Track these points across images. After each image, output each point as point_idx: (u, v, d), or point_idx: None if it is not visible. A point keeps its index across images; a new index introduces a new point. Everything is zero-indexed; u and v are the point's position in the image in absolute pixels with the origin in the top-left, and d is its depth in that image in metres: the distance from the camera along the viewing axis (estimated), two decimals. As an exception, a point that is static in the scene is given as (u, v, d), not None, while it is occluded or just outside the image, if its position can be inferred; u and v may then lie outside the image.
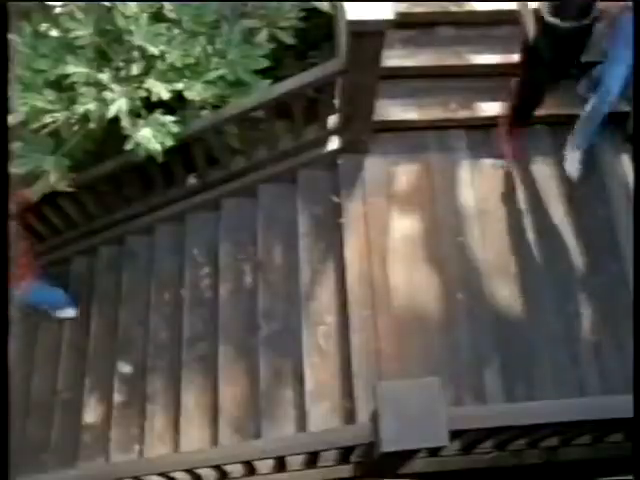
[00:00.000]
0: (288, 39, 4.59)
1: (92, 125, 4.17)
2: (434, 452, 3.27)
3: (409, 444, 2.74)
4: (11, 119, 4.06)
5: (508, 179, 4.50)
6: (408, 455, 3.12)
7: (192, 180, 4.82)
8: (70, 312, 5.37)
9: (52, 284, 5.19)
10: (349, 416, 3.83)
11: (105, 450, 4.53)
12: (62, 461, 4.66)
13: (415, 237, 4.26)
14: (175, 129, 4.11)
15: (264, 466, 3.57)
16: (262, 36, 4.51)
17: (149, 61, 4.27)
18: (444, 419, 2.70)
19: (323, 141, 4.56)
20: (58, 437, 4.84)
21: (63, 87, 4.24)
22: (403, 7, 4.56)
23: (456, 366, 3.88)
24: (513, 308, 4.12)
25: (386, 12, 3.57)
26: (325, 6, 4.57)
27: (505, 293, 4.15)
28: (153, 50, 4.21)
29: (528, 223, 4.36)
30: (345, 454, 3.34)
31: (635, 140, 4.31)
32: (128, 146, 4.12)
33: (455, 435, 2.82)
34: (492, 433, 3.15)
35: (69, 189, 4.50)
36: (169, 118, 4.12)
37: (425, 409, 2.72)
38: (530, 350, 4.00)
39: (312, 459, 3.40)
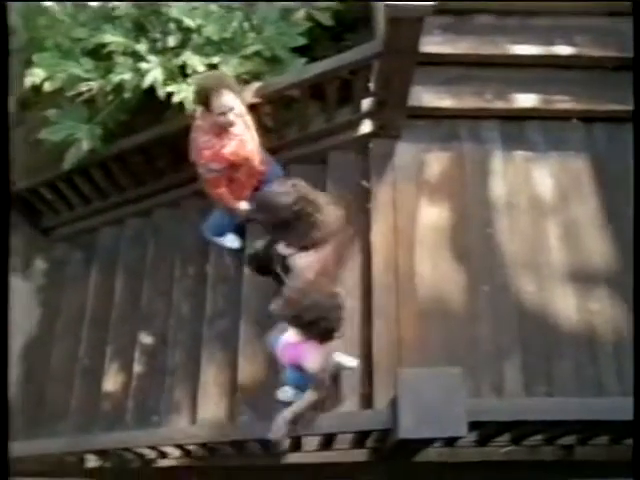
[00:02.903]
0: (325, 20, 4.55)
1: (127, 95, 4.19)
2: (450, 442, 3.27)
3: (427, 433, 2.74)
4: (48, 86, 4.06)
5: (540, 173, 4.44)
6: (424, 443, 3.12)
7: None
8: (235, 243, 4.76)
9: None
10: (366, 401, 3.82)
11: (122, 419, 4.58)
12: (80, 427, 4.73)
13: (443, 226, 4.23)
14: None
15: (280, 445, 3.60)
16: (299, 15, 4.47)
17: (185, 34, 4.28)
18: (463, 410, 2.70)
19: (355, 124, 4.52)
20: (77, 403, 4.90)
21: (100, 56, 4.26)
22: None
23: (476, 358, 3.86)
24: (537, 304, 4.08)
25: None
26: (365, -12, 4.52)
27: (530, 288, 4.11)
28: (190, 23, 4.22)
29: (557, 219, 4.31)
30: (361, 438, 3.35)
31: (635, 139, 4.24)
32: (175, 98, 4.04)
33: (473, 426, 2.81)
34: (510, 427, 3.15)
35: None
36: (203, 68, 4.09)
37: (445, 399, 2.72)
38: (551, 347, 3.97)
39: (328, 441, 3.42)
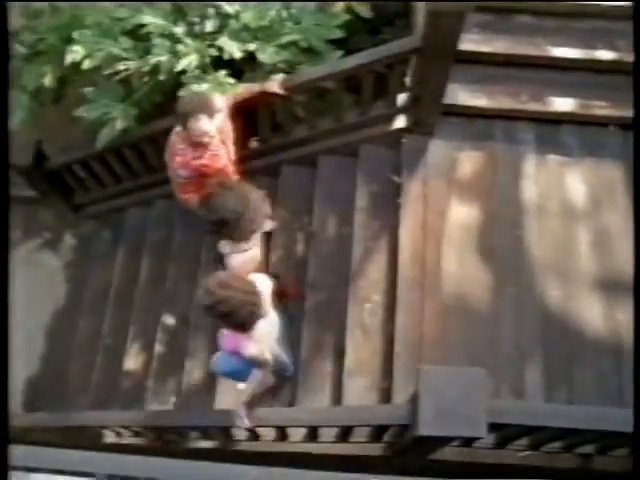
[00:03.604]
0: (364, 12, 4.53)
1: (162, 77, 4.21)
2: (468, 442, 3.26)
3: (446, 431, 2.74)
4: (87, 63, 4.10)
5: (573, 178, 4.39)
6: (442, 442, 3.12)
7: (253, 143, 4.82)
8: None
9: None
10: (385, 396, 3.83)
11: (141, 398, 4.63)
12: (100, 403, 4.79)
13: (472, 225, 4.20)
14: (231, 91, 4.10)
15: (296, 434, 3.62)
16: (338, 6, 4.46)
17: (223, 19, 4.29)
18: (484, 410, 2.70)
19: (389, 119, 4.50)
20: (98, 379, 4.96)
21: (138, 36, 4.29)
22: (485, -10, 4.45)
23: (498, 360, 3.84)
24: (562, 309, 4.04)
25: (469, -5, 3.50)
26: (406, -18, 4.50)
27: (556, 293, 4.07)
28: (228, 9, 4.24)
29: (588, 225, 4.25)
30: (378, 433, 3.36)
31: (635, 140, 4.19)
32: (181, 93, 4.12)
33: (493, 428, 2.80)
34: (530, 431, 3.13)
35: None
36: (230, 80, 4.12)
37: (466, 398, 2.72)
38: (574, 353, 3.94)
39: (345, 433, 3.43)
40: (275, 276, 3.77)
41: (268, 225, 4.45)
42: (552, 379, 3.81)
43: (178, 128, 3.92)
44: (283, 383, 4.04)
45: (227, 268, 3.59)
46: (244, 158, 4.89)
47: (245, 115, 4.41)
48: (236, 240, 3.55)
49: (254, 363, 3.35)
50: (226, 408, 3.65)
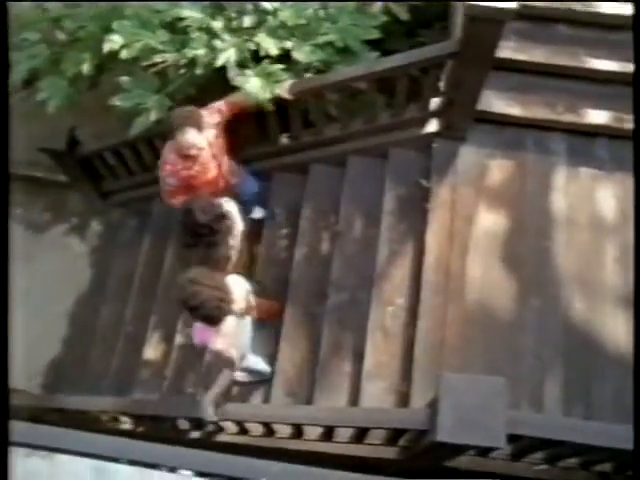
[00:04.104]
0: (403, 14, 4.53)
1: (198, 71, 4.23)
2: (484, 451, 3.24)
3: (465, 439, 2.72)
4: (125, 53, 4.13)
5: (603, 192, 4.35)
6: (459, 450, 3.10)
7: (284, 140, 4.83)
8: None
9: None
10: (403, 400, 3.83)
11: (159, 387, 4.67)
12: (119, 390, 4.83)
13: (499, 234, 4.18)
14: (284, 77, 4.13)
15: (311, 432, 3.63)
16: (376, 7, 4.46)
17: (261, 16, 4.31)
18: (503, 421, 2.68)
19: (421, 122, 4.50)
20: (117, 366, 5.00)
21: (176, 29, 4.32)
22: (526, -1, 4.42)
23: (517, 370, 3.82)
24: (585, 322, 4.00)
25: (510, 1, 3.47)
26: (446, -14, 4.48)
27: (579, 306, 4.04)
28: (266, 5, 4.25)
29: (616, 240, 4.21)
30: (394, 436, 3.35)
31: (635, 142, 4.15)
32: (239, 97, 4.16)
33: (510, 439, 2.78)
34: (547, 445, 3.10)
35: (289, 97, 4.26)
36: (277, 66, 4.14)
37: (486, 407, 2.70)
38: (595, 368, 3.90)
39: (360, 435, 3.43)
40: (259, 283, 4.18)
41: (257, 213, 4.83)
42: (571, 393, 3.78)
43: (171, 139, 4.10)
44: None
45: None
46: (274, 153, 4.95)
47: (246, 123, 4.60)
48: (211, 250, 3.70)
49: (219, 359, 3.57)
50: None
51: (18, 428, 1.80)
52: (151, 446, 1.88)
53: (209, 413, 3.49)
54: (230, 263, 3.82)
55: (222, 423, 3.69)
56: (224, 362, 3.58)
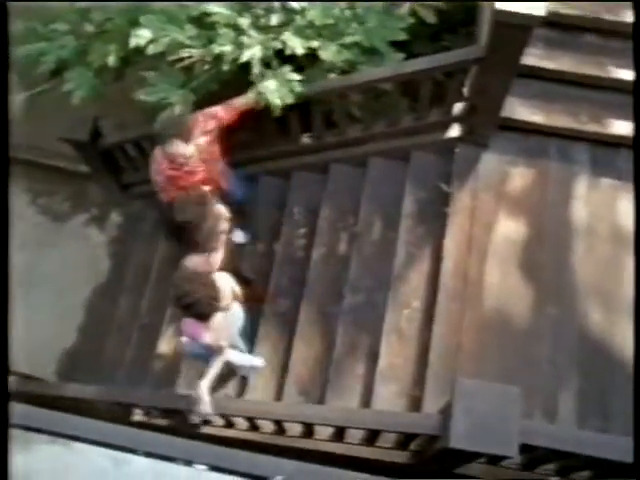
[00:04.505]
0: (429, 17, 4.52)
1: (224, 67, 4.25)
2: (496, 460, 3.22)
3: (477, 446, 2.72)
4: (151, 48, 4.16)
5: (625, 203, 4.32)
6: (470, 456, 3.09)
7: (306, 139, 4.84)
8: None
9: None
10: (415, 404, 3.82)
11: (172, 381, 4.69)
12: (133, 381, 4.86)
13: (518, 241, 4.16)
14: (298, 88, 4.15)
15: (322, 432, 3.63)
16: (404, 9, 4.45)
17: (289, 14, 4.31)
18: (517, 430, 2.68)
19: (444, 127, 4.48)
20: (132, 357, 5.03)
21: (203, 25, 4.33)
22: (553, 6, 4.39)
23: (532, 379, 3.80)
24: (601, 334, 3.98)
25: (538, 7, 3.45)
26: (475, -10, 4.47)
27: (597, 317, 4.01)
28: (294, 4, 4.25)
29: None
30: (406, 440, 3.35)
31: (635, 144, 4.12)
32: (249, 93, 4.18)
33: (523, 449, 2.77)
34: (560, 457, 3.08)
35: None
36: (296, 76, 4.16)
37: (500, 416, 2.71)
38: (611, 381, 3.87)
39: (371, 437, 3.43)
40: (247, 280, 4.27)
41: (239, 237, 4.89)
42: (586, 405, 3.76)
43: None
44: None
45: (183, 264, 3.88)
46: (295, 152, 4.95)
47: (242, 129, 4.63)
48: (194, 245, 3.81)
49: (210, 350, 3.75)
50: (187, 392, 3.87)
51: (39, 415, 1.82)
52: (167, 439, 1.90)
53: (205, 406, 3.62)
54: (217, 259, 3.93)
55: (219, 417, 3.73)
56: (216, 351, 3.75)
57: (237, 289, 3.93)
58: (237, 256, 4.53)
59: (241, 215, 4.82)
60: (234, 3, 4.31)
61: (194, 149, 4.13)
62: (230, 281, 3.86)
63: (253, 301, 4.40)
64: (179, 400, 3.91)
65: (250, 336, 4.44)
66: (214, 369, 3.75)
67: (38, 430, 1.84)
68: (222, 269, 3.92)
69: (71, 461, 1.81)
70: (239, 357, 4.23)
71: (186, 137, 4.04)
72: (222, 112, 4.26)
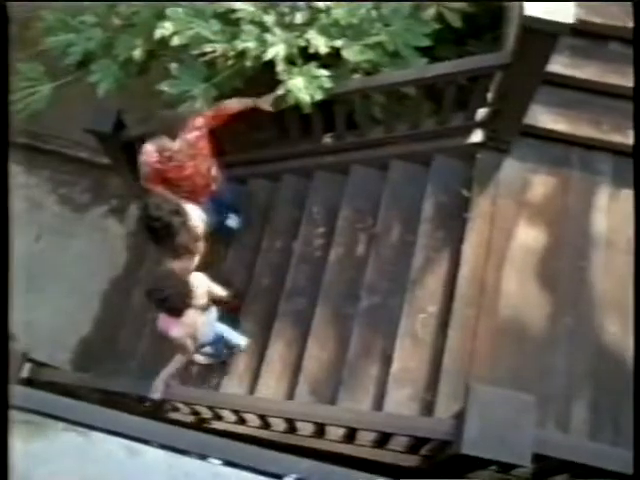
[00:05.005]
0: (455, 21, 4.50)
1: (247, 63, 4.25)
2: (507, 468, 3.20)
3: (490, 453, 2.71)
4: (176, 40, 4.17)
5: (647, 215, 4.29)
6: (482, 464, 3.07)
7: (328, 139, 4.84)
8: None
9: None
10: (427, 409, 3.81)
11: (185, 375, 4.70)
12: (144, 373, 4.86)
13: (537, 250, 4.13)
14: (328, 84, 4.14)
15: (333, 433, 3.63)
16: (430, 13, 4.44)
17: (314, 13, 4.30)
18: (530, 439, 2.66)
19: (466, 132, 4.47)
20: (145, 350, 5.04)
21: (228, 21, 4.33)
22: (581, 14, 4.36)
23: (546, 388, 3.78)
24: (617, 347, 3.94)
25: (567, 15, 3.43)
26: (502, -5, 4.44)
27: (613, 329, 3.97)
28: (320, 3, 4.24)
29: (656, 265, 4.15)
30: (417, 445, 3.34)
31: (635, 146, 4.09)
32: (278, 91, 4.18)
33: (536, 459, 2.75)
34: (572, 468, 3.06)
35: (270, 109, 4.41)
36: (323, 72, 4.14)
37: (513, 424, 2.69)
38: (625, 394, 3.82)
39: (383, 440, 3.42)
40: (227, 284, 4.43)
41: (232, 222, 5.12)
42: (599, 417, 3.72)
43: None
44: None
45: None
46: (316, 152, 4.95)
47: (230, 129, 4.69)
48: (169, 247, 3.89)
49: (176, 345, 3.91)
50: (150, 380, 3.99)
51: (56, 402, 1.83)
52: (182, 432, 1.90)
53: (156, 393, 3.89)
54: (192, 258, 4.03)
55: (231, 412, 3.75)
56: (178, 348, 3.93)
57: (216, 290, 4.08)
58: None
59: (234, 206, 5.14)
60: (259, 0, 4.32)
61: (183, 144, 4.18)
62: (206, 282, 3.99)
63: (228, 310, 4.65)
64: (137, 386, 4.10)
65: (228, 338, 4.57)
66: (175, 364, 3.95)
67: (55, 417, 1.85)
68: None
69: (86, 449, 1.82)
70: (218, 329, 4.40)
71: (173, 135, 4.10)
72: (210, 114, 4.33)
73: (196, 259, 4.05)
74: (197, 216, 4.05)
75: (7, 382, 1.89)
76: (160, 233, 3.81)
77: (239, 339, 4.65)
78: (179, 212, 3.82)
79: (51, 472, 1.74)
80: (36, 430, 1.76)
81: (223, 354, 4.71)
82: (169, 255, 3.91)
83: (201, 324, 4.00)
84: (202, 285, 3.91)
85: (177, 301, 3.63)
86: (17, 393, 1.88)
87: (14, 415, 1.75)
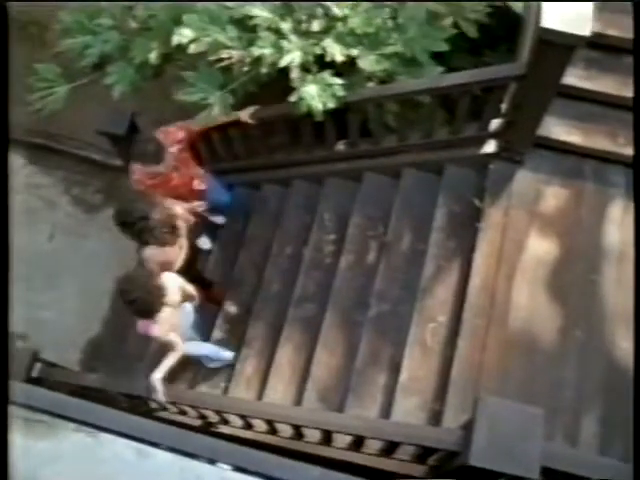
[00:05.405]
0: (471, 31, 4.50)
1: (263, 70, 4.26)
2: (514, 480, 3.19)
3: (498, 466, 2.69)
4: (193, 47, 4.19)
5: (660, 229, 4.27)
6: (489, 476, 3.05)
7: (340, 146, 4.84)
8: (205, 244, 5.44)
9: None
10: (435, 419, 3.80)
11: (192, 378, 4.71)
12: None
13: (548, 262, 4.11)
14: (340, 93, 4.15)
15: (341, 440, 3.62)
16: (446, 22, 4.44)
17: (330, 21, 4.31)
18: (539, 452, 2.64)
19: (480, 142, 4.46)
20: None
21: (245, 27, 4.34)
22: (597, 27, 4.35)
23: (555, 402, 3.75)
24: (628, 361, 3.91)
25: (584, 27, 3.42)
26: (519, 7, 4.43)
27: (625, 344, 3.94)
28: (337, 11, 4.25)
29: (668, 280, 4.12)
30: (424, 454, 3.32)
31: (635, 167, 4.07)
32: (292, 98, 4.20)
33: (543, 472, 2.73)
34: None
35: (250, 121, 4.64)
36: (337, 80, 4.16)
37: (522, 436, 2.67)
38: (636, 409, 3.81)
39: (390, 449, 3.41)
40: (208, 283, 4.76)
41: (204, 243, 5.32)
42: (608, 432, 3.69)
43: None
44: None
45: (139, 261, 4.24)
46: (328, 159, 4.96)
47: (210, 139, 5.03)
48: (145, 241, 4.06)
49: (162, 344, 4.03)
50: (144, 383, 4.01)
51: (66, 402, 1.84)
52: (193, 436, 1.90)
53: (157, 393, 3.88)
54: (174, 254, 4.23)
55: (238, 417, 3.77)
56: (166, 345, 4.01)
57: (188, 289, 4.18)
58: (199, 260, 4.85)
59: (212, 224, 5.38)
60: (277, 7, 4.34)
61: (168, 160, 4.40)
62: (178, 281, 4.08)
63: (212, 302, 4.92)
64: (139, 388, 4.09)
65: (203, 331, 4.75)
66: (168, 361, 3.98)
67: (65, 417, 1.85)
68: (182, 269, 4.23)
69: (96, 450, 1.82)
70: (200, 349, 4.55)
71: (159, 157, 4.33)
72: (193, 125, 4.59)
73: (178, 251, 4.23)
74: (177, 211, 4.24)
75: (7, 381, 1.90)
76: (135, 235, 4.01)
77: (225, 355, 4.73)
78: (145, 218, 3.94)
79: (59, 472, 1.75)
80: (47, 429, 1.77)
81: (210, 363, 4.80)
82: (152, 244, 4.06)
83: (178, 319, 4.09)
84: (173, 284, 4.00)
85: (145, 304, 3.73)
86: (29, 392, 1.89)
87: (25, 414, 1.76)
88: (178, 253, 4.29)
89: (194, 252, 4.56)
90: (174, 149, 4.45)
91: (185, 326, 4.30)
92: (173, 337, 3.97)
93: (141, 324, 3.93)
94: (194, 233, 4.60)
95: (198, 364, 4.80)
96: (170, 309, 3.90)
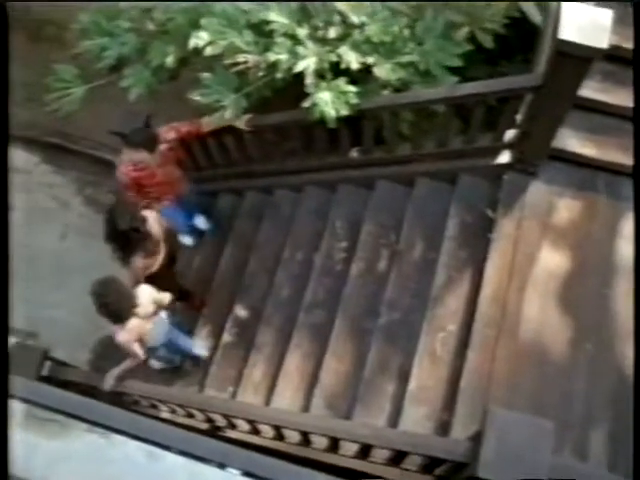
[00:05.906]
0: (487, 42, 4.50)
1: (278, 75, 4.28)
2: (521, 493, 3.17)
3: (506, 477, 2.66)
4: (209, 50, 4.21)
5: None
6: (497, 488, 3.04)
7: (354, 153, 4.85)
8: (188, 240, 5.59)
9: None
10: (443, 429, 3.78)
11: (200, 382, 4.72)
12: (162, 378, 4.90)
13: (560, 274, 4.09)
14: (354, 100, 4.16)
15: (347, 448, 3.61)
16: (462, 33, 4.44)
17: (347, 28, 4.32)
18: (547, 465, 2.63)
19: (494, 152, 4.45)
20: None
21: (262, 32, 4.36)
22: (614, 40, 4.34)
23: (564, 415, 3.72)
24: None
25: (602, 40, 3.41)
26: (536, 18, 4.43)
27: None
28: (354, 19, 4.26)
29: (679, 296, 4.10)
30: (431, 465, 3.31)
31: (635, 177, 4.06)
32: (305, 104, 4.21)
33: (551, 486, 2.72)
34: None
35: (245, 128, 4.73)
36: (351, 88, 4.17)
37: (531, 449, 2.65)
38: (636, 415, 3.78)
39: (397, 458, 3.40)
40: (186, 291, 4.96)
41: (187, 240, 5.52)
42: (617, 447, 3.65)
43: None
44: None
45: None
46: (342, 165, 4.96)
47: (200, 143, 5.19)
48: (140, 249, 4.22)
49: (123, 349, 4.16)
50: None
51: (79, 403, 1.84)
52: (203, 440, 1.91)
53: (106, 385, 4.16)
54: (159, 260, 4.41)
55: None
56: (127, 352, 4.16)
57: (162, 299, 4.28)
58: (176, 272, 4.92)
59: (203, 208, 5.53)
60: (294, 13, 4.35)
61: (156, 155, 4.51)
62: (152, 293, 4.20)
63: (192, 310, 5.15)
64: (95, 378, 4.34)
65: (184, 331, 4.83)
66: (125, 365, 4.20)
67: (77, 417, 1.86)
68: (161, 276, 4.41)
69: (107, 451, 1.83)
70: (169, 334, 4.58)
71: (154, 147, 4.46)
72: (184, 127, 4.73)
73: (160, 258, 4.40)
74: (155, 220, 4.38)
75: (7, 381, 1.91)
76: (133, 240, 4.15)
77: (198, 348, 4.88)
78: (138, 228, 4.12)
79: (70, 470, 1.76)
80: (60, 429, 1.78)
81: (176, 359, 4.90)
82: (136, 253, 4.22)
83: (148, 330, 4.21)
84: (146, 296, 4.13)
85: (115, 309, 3.89)
86: (42, 391, 1.90)
87: (39, 412, 1.77)
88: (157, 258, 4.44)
89: (171, 257, 4.63)
90: (162, 146, 4.56)
91: (160, 333, 4.40)
92: (136, 348, 4.12)
93: (115, 329, 4.07)
94: (172, 237, 4.69)
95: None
96: (139, 320, 4.06)
